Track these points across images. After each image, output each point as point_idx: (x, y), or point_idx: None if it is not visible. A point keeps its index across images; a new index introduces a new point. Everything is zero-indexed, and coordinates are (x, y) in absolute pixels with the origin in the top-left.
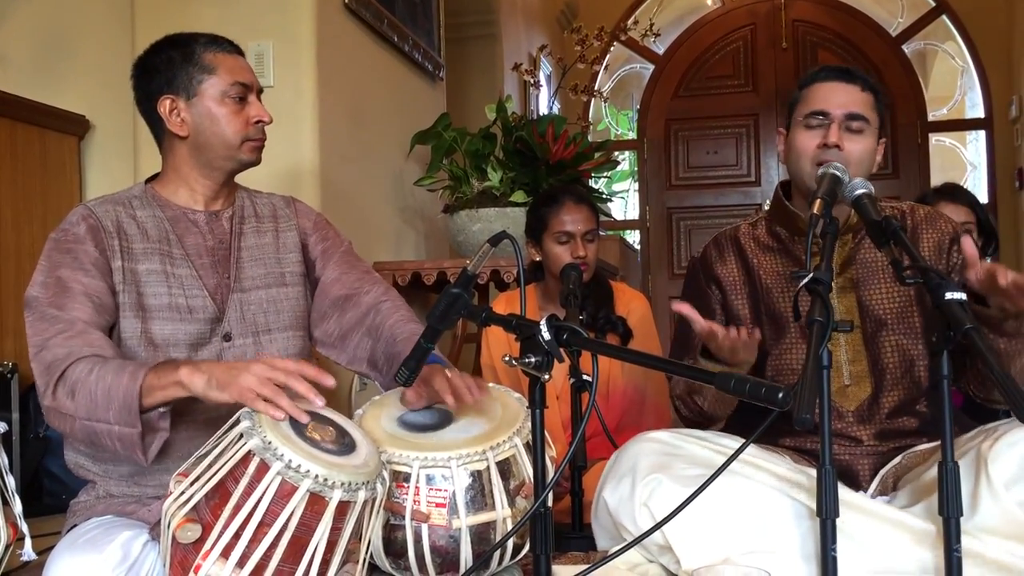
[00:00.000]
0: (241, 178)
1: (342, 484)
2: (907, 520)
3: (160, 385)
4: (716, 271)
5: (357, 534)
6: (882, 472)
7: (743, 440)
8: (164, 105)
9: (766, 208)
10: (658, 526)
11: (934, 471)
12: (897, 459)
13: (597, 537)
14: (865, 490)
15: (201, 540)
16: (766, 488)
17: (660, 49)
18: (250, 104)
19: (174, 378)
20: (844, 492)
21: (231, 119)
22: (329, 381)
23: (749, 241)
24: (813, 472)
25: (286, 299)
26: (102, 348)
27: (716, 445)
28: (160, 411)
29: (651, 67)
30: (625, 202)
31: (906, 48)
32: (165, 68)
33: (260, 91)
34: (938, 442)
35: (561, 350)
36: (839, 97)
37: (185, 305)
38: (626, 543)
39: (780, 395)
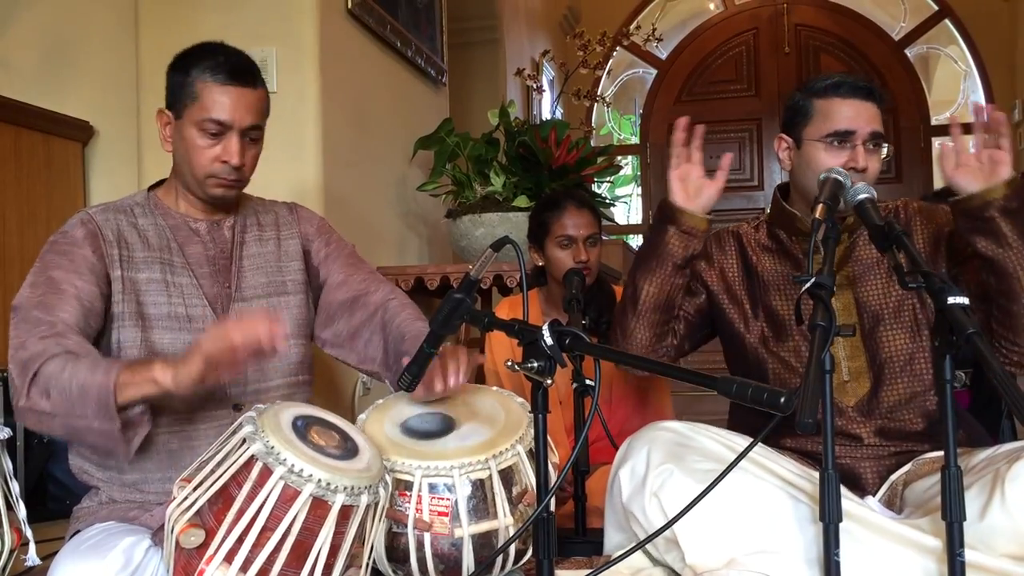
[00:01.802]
0: None
1: (345, 488)
2: (914, 535)
3: (134, 381)
4: (716, 260)
5: (360, 538)
6: (892, 479)
7: (752, 438)
8: (161, 118)
9: (768, 212)
10: (665, 527)
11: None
12: (908, 466)
13: (607, 523)
14: (873, 494)
15: (204, 545)
16: (775, 489)
17: (663, 54)
18: (225, 141)
19: (147, 375)
20: (849, 504)
21: (200, 152)
22: (280, 340)
23: (750, 240)
24: (817, 474)
25: (287, 307)
26: (77, 348)
27: (728, 440)
28: (138, 409)
29: (654, 72)
30: (628, 207)
31: (909, 52)
32: (170, 79)
33: (251, 128)
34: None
35: (564, 355)
36: (863, 115)
37: (184, 314)
38: (630, 547)
39: (782, 400)
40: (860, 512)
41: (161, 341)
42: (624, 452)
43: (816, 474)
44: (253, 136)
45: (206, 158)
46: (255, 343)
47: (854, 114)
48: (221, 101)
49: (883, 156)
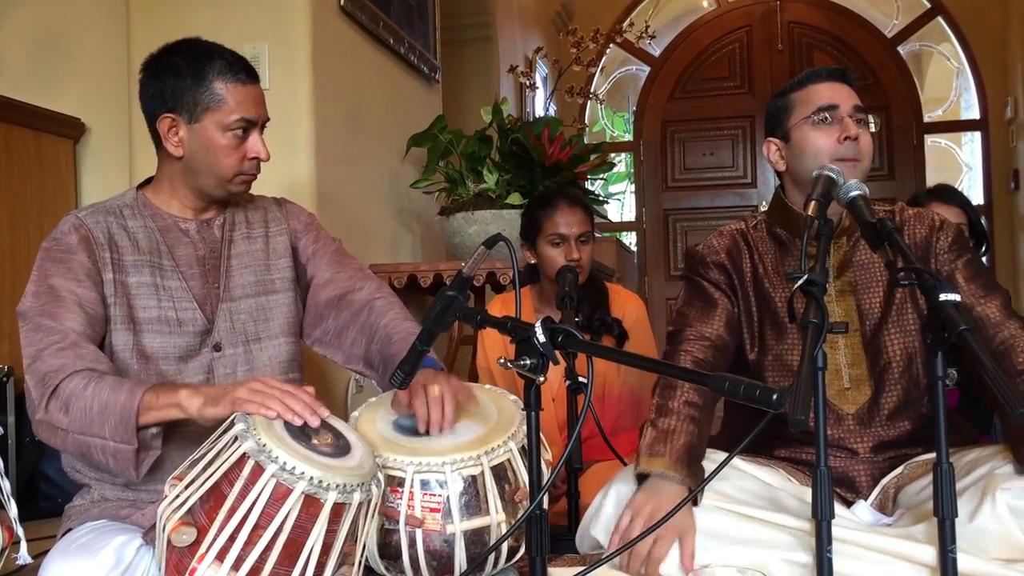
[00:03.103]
0: None
1: (337, 486)
2: (910, 551)
3: (158, 405)
4: (723, 259)
5: (352, 536)
6: (883, 482)
7: (737, 462)
8: (164, 123)
9: (763, 209)
10: (651, 531)
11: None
12: (899, 469)
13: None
14: (865, 498)
15: (196, 543)
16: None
17: (656, 51)
18: (250, 138)
19: (173, 399)
20: (840, 530)
21: (228, 153)
22: (315, 422)
23: (754, 241)
24: (806, 492)
25: (276, 306)
26: (96, 362)
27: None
28: (153, 431)
29: (647, 69)
30: (621, 204)
31: (901, 50)
32: (173, 83)
33: (265, 122)
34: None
35: (556, 352)
36: (842, 93)
37: (175, 318)
38: (622, 546)
39: (774, 397)
40: (853, 536)
41: (152, 345)
42: (596, 509)
43: (805, 492)
44: (264, 128)
45: (234, 158)
46: (289, 418)
47: (833, 92)
48: (246, 101)
49: (872, 130)
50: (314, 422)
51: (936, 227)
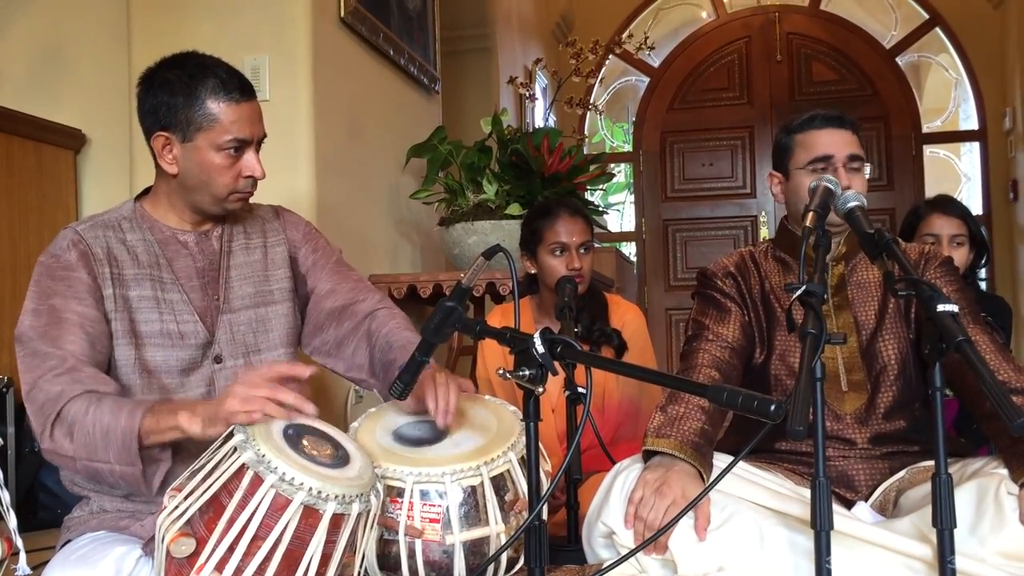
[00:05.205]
0: None
1: (336, 497)
2: (906, 546)
3: (158, 429)
4: (732, 271)
5: (351, 547)
6: (885, 485)
7: (738, 460)
8: (158, 141)
9: (763, 219)
10: (649, 541)
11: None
12: (902, 473)
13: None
14: (865, 499)
15: (195, 554)
16: (765, 516)
17: (655, 62)
18: (245, 157)
19: (172, 423)
20: (841, 521)
21: (222, 172)
22: (304, 372)
23: (760, 262)
24: (805, 491)
25: (275, 317)
26: (95, 383)
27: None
28: (159, 448)
29: (646, 80)
30: (621, 214)
31: (900, 60)
32: (167, 101)
33: (262, 139)
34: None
35: (555, 363)
36: (838, 141)
37: (176, 331)
38: (622, 556)
39: (772, 408)
40: (851, 528)
41: (154, 359)
42: (603, 497)
43: (805, 491)
44: (260, 144)
45: (229, 177)
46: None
47: (830, 141)
48: (240, 120)
49: (866, 175)
50: (309, 410)
51: (924, 252)
